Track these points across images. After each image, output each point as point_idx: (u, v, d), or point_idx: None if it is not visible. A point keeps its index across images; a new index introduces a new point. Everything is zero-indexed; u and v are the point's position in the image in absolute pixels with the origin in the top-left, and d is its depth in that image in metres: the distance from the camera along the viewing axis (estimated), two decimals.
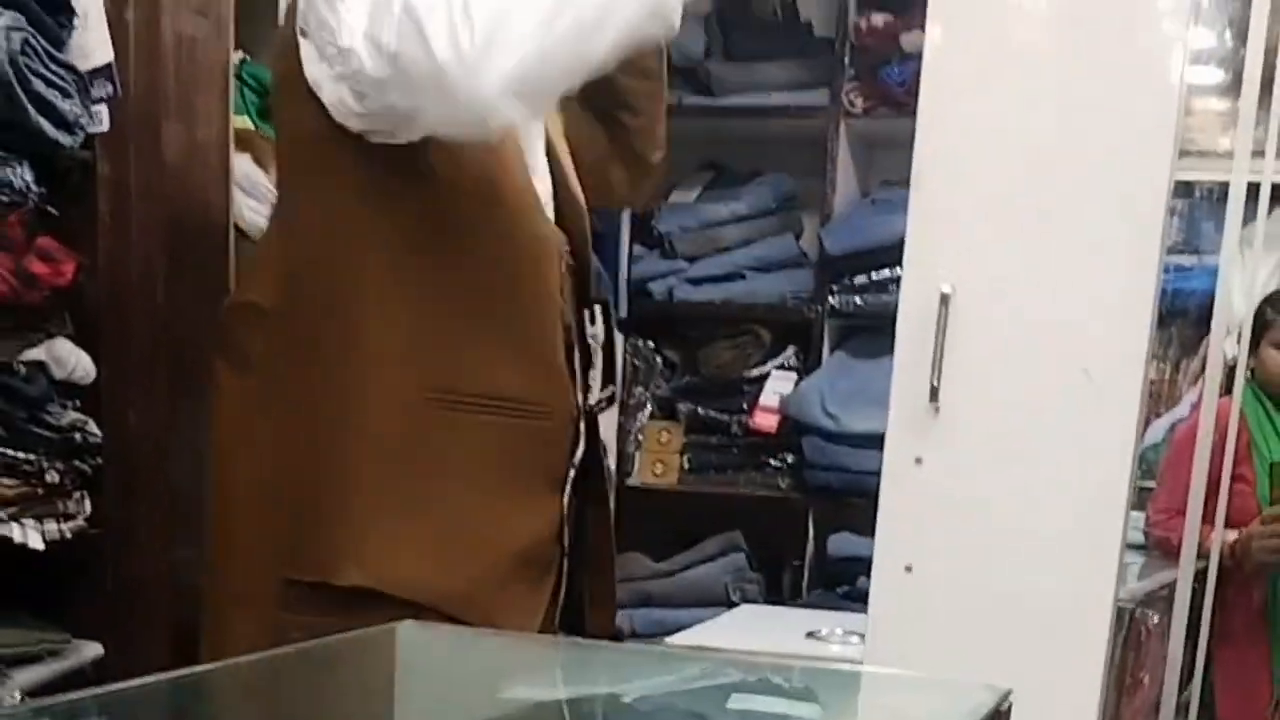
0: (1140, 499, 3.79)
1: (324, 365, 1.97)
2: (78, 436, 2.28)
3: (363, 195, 1.93)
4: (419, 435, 1.97)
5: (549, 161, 2.13)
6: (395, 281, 1.94)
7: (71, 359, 2.25)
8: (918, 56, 2.65)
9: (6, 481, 2.17)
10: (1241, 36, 3.24)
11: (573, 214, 2.16)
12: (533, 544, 2.08)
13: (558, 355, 2.08)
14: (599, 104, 2.26)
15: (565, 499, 2.12)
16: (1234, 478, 3.78)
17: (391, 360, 1.95)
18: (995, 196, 2.55)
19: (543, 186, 2.10)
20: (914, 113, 2.60)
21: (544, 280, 2.05)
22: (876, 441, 2.73)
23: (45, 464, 2.23)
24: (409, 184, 1.93)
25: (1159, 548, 4.03)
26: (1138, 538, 3.96)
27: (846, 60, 4.41)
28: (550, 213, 2.10)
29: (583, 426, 2.13)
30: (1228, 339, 3.98)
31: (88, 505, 2.33)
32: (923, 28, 2.60)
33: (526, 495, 2.07)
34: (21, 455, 2.18)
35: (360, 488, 1.96)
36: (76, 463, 2.29)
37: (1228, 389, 3.87)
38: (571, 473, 2.12)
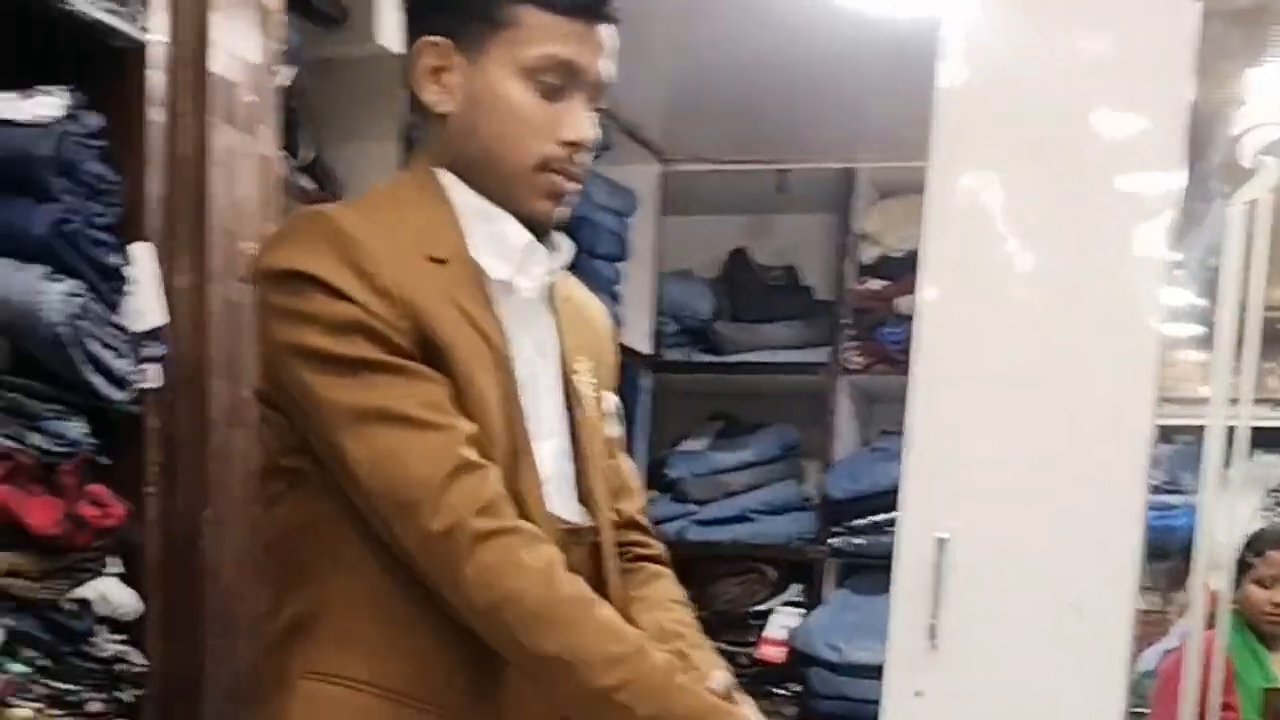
0: None
1: None
2: (119, 667, 2.24)
3: None
4: None
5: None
6: None
7: (117, 597, 2.22)
8: (912, 318, 2.66)
9: (51, 712, 2.12)
10: (1214, 296, 3.28)
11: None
12: None
13: None
14: None
15: None
16: (1222, 706, 3.74)
17: None
18: (987, 447, 2.55)
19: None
20: (909, 370, 2.61)
21: None
22: (878, 672, 2.70)
23: (87, 695, 2.18)
24: None
25: None
26: None
27: (845, 321, 4.47)
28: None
29: None
30: (1215, 574, 3.96)
31: None
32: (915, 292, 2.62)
33: None
34: (65, 686, 2.14)
35: None
36: (117, 693, 2.24)
37: (1215, 621, 3.85)
38: None
